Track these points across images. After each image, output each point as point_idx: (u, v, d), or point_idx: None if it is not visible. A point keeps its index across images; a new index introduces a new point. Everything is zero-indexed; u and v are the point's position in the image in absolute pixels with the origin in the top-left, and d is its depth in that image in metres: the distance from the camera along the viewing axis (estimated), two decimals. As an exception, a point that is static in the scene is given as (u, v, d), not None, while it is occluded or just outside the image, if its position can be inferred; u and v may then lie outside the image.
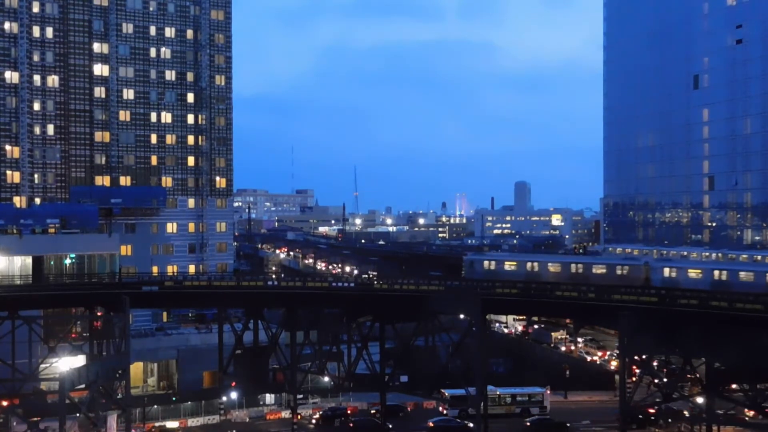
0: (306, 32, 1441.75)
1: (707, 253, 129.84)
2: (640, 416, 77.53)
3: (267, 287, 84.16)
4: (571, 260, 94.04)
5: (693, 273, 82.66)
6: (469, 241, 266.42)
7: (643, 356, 75.60)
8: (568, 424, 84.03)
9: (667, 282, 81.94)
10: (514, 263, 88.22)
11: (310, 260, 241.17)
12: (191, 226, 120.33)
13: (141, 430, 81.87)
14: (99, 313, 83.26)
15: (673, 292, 73.43)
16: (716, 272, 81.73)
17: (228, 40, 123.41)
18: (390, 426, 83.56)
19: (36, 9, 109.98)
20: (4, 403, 75.60)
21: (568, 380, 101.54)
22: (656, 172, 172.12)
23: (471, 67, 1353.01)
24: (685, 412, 78.13)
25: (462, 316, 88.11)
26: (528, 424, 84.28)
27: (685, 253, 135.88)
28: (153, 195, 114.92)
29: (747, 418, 73.40)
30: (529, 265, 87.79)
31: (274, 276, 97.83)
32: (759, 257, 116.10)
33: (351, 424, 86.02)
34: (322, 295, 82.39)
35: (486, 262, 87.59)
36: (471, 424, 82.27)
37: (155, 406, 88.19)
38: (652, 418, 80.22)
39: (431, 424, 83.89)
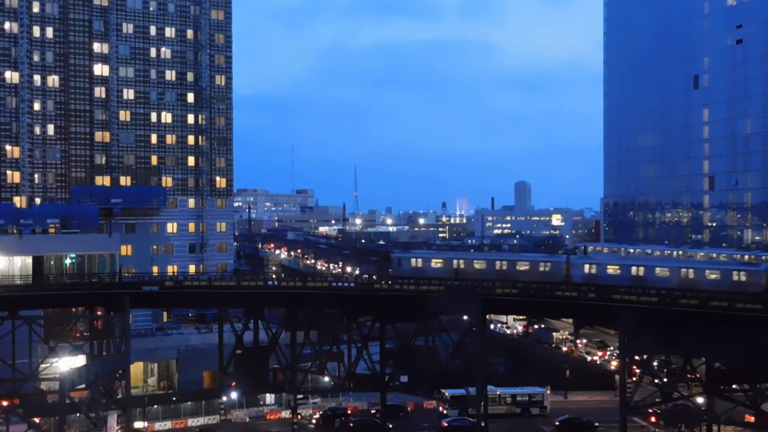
0: (306, 31, 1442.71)
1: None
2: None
3: (267, 287, 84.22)
4: (495, 257, 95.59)
5: (611, 269, 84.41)
6: (469, 241, 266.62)
7: (643, 356, 75.72)
8: (597, 424, 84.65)
9: (587, 278, 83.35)
10: (441, 260, 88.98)
11: (311, 260, 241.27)
12: (191, 226, 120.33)
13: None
14: (99, 313, 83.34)
15: (673, 292, 73.41)
16: (634, 268, 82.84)
17: (228, 40, 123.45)
18: (390, 426, 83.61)
19: (36, 9, 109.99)
20: (4, 403, 75.63)
21: (568, 380, 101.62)
22: (656, 172, 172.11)
23: (471, 67, 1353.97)
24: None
25: (462, 317, 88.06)
26: (557, 423, 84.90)
27: (658, 252, 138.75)
28: (153, 195, 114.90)
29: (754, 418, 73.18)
30: (455, 262, 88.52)
31: (274, 276, 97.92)
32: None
33: (351, 424, 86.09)
34: (322, 295, 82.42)
35: (413, 260, 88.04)
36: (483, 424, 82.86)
37: (155, 406, 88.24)
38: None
39: (445, 424, 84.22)
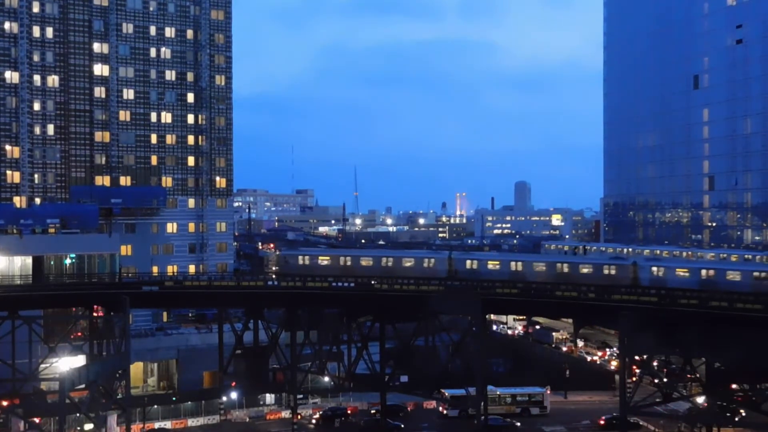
0: (305, 31, 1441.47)
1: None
2: None
3: (267, 287, 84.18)
4: (381, 254, 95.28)
5: (492, 264, 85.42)
6: (469, 241, 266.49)
7: (643, 356, 75.75)
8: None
9: (468, 273, 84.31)
10: (328, 258, 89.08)
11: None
12: (191, 226, 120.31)
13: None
14: (99, 313, 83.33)
15: (673, 292, 73.37)
16: (513, 264, 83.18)
17: (228, 40, 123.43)
18: (402, 426, 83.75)
19: (36, 9, 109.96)
20: (4, 403, 75.69)
21: (568, 380, 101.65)
22: (656, 172, 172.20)
23: (471, 67, 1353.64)
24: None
25: (462, 316, 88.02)
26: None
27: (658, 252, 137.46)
28: (153, 195, 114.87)
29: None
30: (341, 259, 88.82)
31: (274, 276, 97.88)
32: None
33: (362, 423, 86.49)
34: (322, 295, 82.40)
35: (300, 258, 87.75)
36: (518, 424, 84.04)
37: (155, 406, 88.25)
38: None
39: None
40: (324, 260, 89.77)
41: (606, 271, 79.50)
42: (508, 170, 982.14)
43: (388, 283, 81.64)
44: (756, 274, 76.85)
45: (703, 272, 79.37)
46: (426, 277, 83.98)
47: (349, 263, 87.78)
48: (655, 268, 78.97)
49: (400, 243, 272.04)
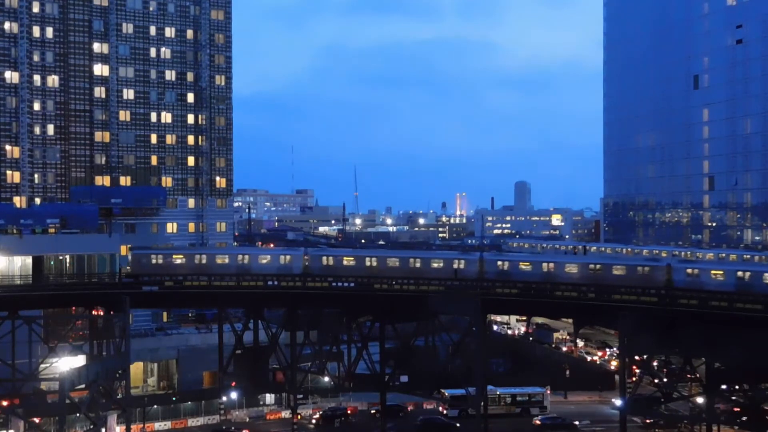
0: (305, 31, 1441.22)
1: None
2: None
3: (267, 287, 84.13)
4: (237, 252, 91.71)
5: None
6: (469, 241, 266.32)
7: (643, 356, 75.73)
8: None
9: (324, 269, 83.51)
10: (181, 256, 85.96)
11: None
12: (191, 226, 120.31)
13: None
14: (99, 313, 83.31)
15: (673, 292, 73.28)
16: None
17: (228, 39, 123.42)
18: (458, 425, 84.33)
19: (36, 9, 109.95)
20: (4, 403, 75.64)
21: (568, 380, 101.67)
22: (656, 172, 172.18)
23: (471, 67, 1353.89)
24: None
25: (462, 317, 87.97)
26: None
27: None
28: (153, 195, 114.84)
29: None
30: (197, 258, 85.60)
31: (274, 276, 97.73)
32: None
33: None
34: (322, 295, 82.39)
35: (153, 257, 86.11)
36: (577, 423, 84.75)
37: (155, 406, 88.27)
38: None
39: (538, 422, 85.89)
40: (178, 258, 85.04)
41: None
42: (508, 170, 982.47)
43: (388, 283, 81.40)
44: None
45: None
46: (282, 274, 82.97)
47: (204, 261, 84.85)
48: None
49: (401, 243, 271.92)
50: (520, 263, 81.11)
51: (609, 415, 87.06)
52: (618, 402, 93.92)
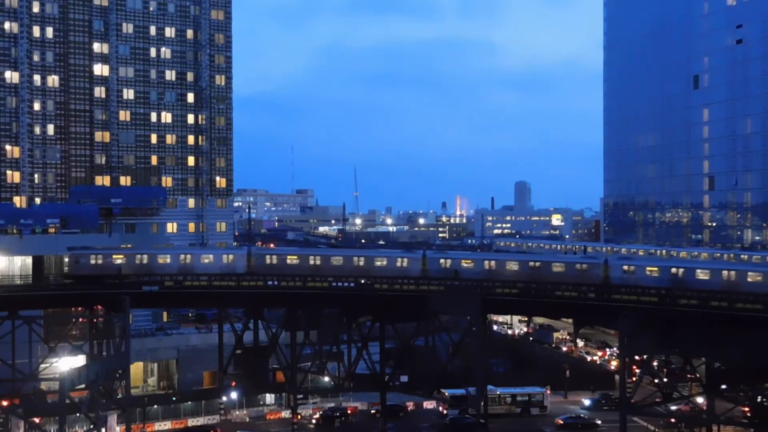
0: (304, 30, 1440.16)
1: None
2: None
3: (267, 287, 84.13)
4: (179, 252, 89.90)
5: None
6: (469, 241, 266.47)
7: (643, 356, 75.72)
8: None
9: (269, 268, 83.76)
10: (122, 256, 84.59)
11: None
12: (191, 226, 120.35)
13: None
14: (99, 313, 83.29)
15: (673, 292, 73.31)
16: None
17: (228, 39, 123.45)
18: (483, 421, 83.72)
19: (36, 9, 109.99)
20: (4, 403, 75.65)
21: (568, 380, 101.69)
22: (656, 172, 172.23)
23: (471, 66, 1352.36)
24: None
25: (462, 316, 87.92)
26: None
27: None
28: (153, 195, 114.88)
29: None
30: (138, 257, 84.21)
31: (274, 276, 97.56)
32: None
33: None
34: (322, 295, 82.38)
35: (92, 257, 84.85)
36: (599, 422, 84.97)
37: (155, 406, 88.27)
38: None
39: (560, 422, 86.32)
40: (118, 258, 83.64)
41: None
42: (508, 170, 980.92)
43: (387, 283, 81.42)
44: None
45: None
46: (223, 273, 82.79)
47: (145, 261, 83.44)
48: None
49: (401, 243, 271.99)
50: (462, 261, 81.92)
51: (609, 415, 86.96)
52: (586, 402, 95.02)
